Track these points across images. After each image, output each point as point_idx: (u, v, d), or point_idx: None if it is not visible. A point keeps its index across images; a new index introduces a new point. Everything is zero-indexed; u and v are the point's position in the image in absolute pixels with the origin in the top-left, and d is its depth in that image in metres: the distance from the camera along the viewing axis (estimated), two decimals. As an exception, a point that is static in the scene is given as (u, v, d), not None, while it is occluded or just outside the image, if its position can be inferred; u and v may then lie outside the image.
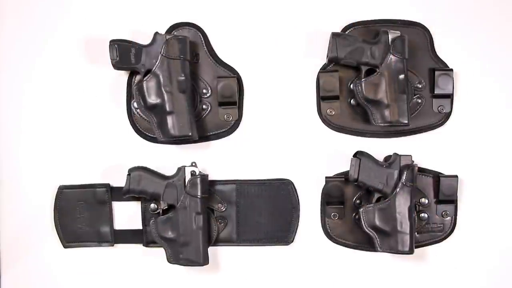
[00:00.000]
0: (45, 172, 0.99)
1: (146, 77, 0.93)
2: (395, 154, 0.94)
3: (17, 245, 1.00)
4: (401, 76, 0.93)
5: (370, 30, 0.97)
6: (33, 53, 0.99)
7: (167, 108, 0.92)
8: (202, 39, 0.98)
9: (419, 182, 0.96)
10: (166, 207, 0.94)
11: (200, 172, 0.95)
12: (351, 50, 0.94)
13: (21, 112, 1.00)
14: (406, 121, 0.93)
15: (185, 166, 0.95)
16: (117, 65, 0.94)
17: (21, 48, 0.99)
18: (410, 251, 0.92)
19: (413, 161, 0.94)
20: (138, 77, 0.96)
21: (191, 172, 0.94)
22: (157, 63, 0.92)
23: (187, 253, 0.93)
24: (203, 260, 0.94)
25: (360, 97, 0.94)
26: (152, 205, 0.97)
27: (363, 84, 0.93)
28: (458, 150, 0.98)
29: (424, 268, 0.98)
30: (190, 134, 0.92)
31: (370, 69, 0.94)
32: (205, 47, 0.98)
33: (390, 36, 0.93)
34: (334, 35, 0.94)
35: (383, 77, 0.93)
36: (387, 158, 0.96)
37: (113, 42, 0.93)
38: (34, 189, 0.99)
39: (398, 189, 0.92)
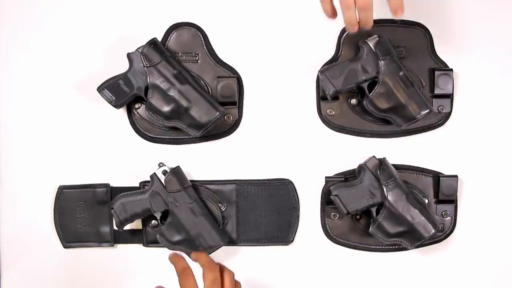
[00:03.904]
0: (45, 172, 0.99)
1: (148, 95, 0.93)
2: (359, 166, 0.95)
3: (17, 245, 1.00)
4: (401, 73, 0.93)
5: (370, 31, 0.96)
6: (33, 52, 0.99)
7: (184, 105, 0.92)
8: (202, 39, 0.98)
9: (419, 182, 0.96)
10: (161, 215, 0.95)
11: (170, 168, 0.95)
12: (345, 78, 0.93)
13: (21, 112, 0.99)
14: (427, 110, 0.93)
15: (155, 172, 0.95)
16: (118, 104, 0.94)
17: (21, 48, 0.99)
18: (436, 229, 0.91)
19: (378, 158, 0.94)
20: (137, 105, 0.98)
21: (162, 172, 0.95)
22: (147, 76, 0.92)
23: (204, 242, 0.94)
24: (221, 240, 0.95)
25: (377, 112, 0.94)
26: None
27: (374, 100, 0.93)
28: (458, 150, 0.98)
29: (424, 268, 0.98)
30: (218, 113, 0.92)
31: (371, 82, 0.94)
32: (205, 47, 0.98)
33: (371, 44, 0.93)
34: (321, 72, 0.94)
35: (387, 84, 0.93)
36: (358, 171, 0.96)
37: (100, 89, 0.93)
38: (34, 189, 0.99)
39: (385, 192, 0.92)
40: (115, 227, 0.99)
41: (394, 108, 0.93)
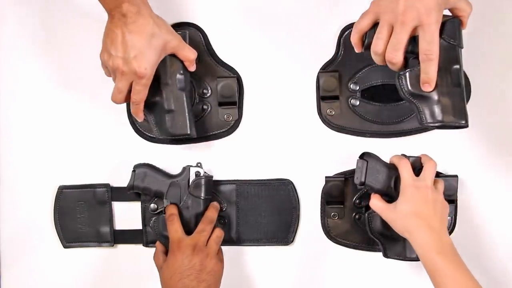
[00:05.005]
0: (45, 172, 0.99)
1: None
2: (403, 155, 0.91)
3: (17, 245, 1.00)
4: (456, 67, 0.79)
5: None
6: (33, 52, 0.99)
7: (166, 106, 0.91)
8: (202, 39, 0.98)
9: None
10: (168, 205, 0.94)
11: (205, 173, 0.95)
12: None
13: (21, 112, 1.00)
14: (463, 122, 0.79)
15: (190, 166, 0.95)
16: None
17: (22, 48, 0.99)
18: (417, 258, 0.88)
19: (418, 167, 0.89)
20: None
21: (195, 172, 0.94)
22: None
23: None
24: None
25: (404, 92, 0.80)
26: (152, 205, 0.97)
27: (407, 76, 0.79)
28: (458, 150, 0.98)
29: (424, 268, 0.98)
30: (189, 132, 0.91)
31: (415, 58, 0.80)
32: (205, 47, 0.98)
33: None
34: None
35: None
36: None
37: None
38: (34, 189, 0.99)
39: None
40: (115, 227, 0.99)
41: (423, 98, 0.79)
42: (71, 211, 0.99)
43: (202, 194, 0.93)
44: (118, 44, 0.82)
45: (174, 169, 0.98)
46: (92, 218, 0.99)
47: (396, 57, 0.77)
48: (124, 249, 1.00)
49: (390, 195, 0.89)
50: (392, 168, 0.89)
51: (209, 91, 0.98)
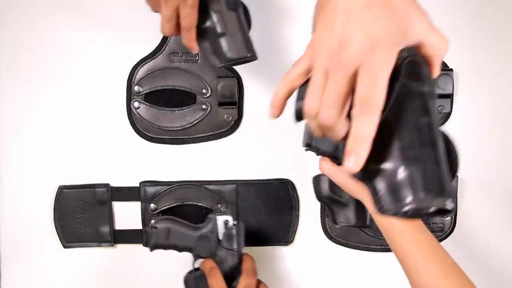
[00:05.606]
0: (45, 172, 0.99)
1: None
2: None
3: (17, 245, 1.00)
4: (423, 120, 0.59)
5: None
6: (33, 51, 0.99)
7: (218, 30, 0.81)
8: (202, 39, 0.98)
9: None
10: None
11: (234, 221, 0.87)
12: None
13: (21, 112, 0.99)
14: (447, 202, 0.58)
15: (216, 215, 0.87)
16: None
17: (21, 47, 0.99)
18: (369, 225, 0.88)
19: None
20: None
21: (224, 222, 0.86)
22: None
23: None
24: None
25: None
26: (152, 205, 0.97)
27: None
28: (458, 150, 0.98)
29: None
30: (249, 55, 0.83)
31: None
32: (205, 47, 0.98)
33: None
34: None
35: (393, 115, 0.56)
36: None
37: None
38: (34, 189, 0.99)
39: None
40: (115, 227, 0.99)
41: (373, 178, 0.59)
42: (71, 211, 0.99)
43: (235, 246, 0.86)
44: None
45: (173, 170, 0.98)
46: (92, 218, 0.99)
47: (328, 116, 0.52)
48: (124, 249, 1.00)
49: (338, 157, 0.80)
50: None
51: (209, 91, 0.98)
